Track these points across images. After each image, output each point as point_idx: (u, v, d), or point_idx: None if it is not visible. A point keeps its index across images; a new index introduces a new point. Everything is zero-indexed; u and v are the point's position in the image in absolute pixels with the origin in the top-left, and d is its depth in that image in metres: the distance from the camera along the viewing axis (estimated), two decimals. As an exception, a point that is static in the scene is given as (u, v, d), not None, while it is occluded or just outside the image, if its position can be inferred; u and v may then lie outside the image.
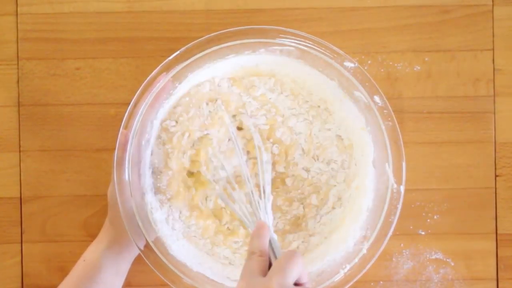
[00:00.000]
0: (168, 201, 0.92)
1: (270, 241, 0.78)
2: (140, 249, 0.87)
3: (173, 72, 0.88)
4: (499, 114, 0.98)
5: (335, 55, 0.89)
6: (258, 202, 0.84)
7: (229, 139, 0.93)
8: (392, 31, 0.97)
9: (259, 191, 0.86)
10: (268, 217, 0.84)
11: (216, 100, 0.93)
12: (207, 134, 0.92)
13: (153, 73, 0.88)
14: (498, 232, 0.97)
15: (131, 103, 0.88)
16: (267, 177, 0.88)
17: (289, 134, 0.93)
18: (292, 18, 0.97)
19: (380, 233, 0.89)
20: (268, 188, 0.87)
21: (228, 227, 0.93)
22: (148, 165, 0.92)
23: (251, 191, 0.85)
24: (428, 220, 0.97)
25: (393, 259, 0.97)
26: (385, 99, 0.89)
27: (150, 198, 0.91)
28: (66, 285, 0.89)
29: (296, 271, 0.72)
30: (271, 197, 0.87)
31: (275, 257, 0.77)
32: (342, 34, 0.97)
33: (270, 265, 0.77)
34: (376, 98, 0.89)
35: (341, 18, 0.97)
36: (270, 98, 0.93)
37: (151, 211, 0.90)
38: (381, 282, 0.97)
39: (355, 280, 0.88)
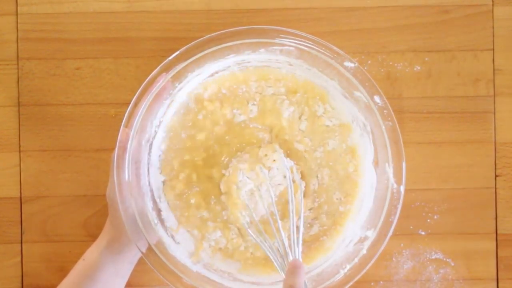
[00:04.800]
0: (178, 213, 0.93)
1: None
2: (140, 249, 0.87)
3: (173, 72, 0.88)
4: (499, 114, 0.98)
5: (335, 55, 0.89)
6: (293, 237, 0.84)
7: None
8: (392, 31, 0.97)
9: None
10: (298, 251, 0.84)
11: None
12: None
13: (153, 73, 0.88)
14: (498, 232, 0.97)
15: (131, 103, 0.88)
16: (300, 209, 0.88)
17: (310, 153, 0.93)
18: (292, 18, 0.97)
19: (380, 233, 0.89)
20: (301, 233, 0.86)
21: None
22: (153, 164, 0.92)
23: (292, 226, 0.85)
24: (428, 220, 0.97)
25: (393, 259, 0.97)
26: (385, 99, 0.89)
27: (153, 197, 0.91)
28: (65, 285, 0.89)
29: None
30: (303, 230, 0.86)
31: None
32: (342, 34, 0.97)
33: None
34: (376, 98, 0.89)
35: (341, 18, 0.97)
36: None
37: (151, 211, 0.90)
38: (381, 282, 0.97)
39: (355, 280, 0.88)
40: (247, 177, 0.90)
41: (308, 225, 0.93)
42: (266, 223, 0.90)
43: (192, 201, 0.93)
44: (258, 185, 0.90)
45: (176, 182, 0.93)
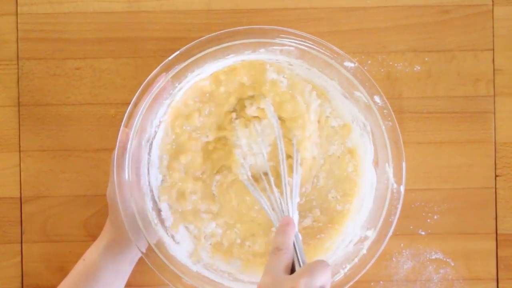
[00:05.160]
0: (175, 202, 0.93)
1: (294, 240, 0.78)
2: (140, 249, 0.87)
3: (173, 72, 0.88)
4: (499, 114, 0.98)
5: (335, 55, 0.89)
6: (287, 199, 0.84)
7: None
8: (392, 31, 0.97)
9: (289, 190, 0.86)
10: (294, 216, 0.84)
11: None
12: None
13: (153, 73, 0.88)
14: (498, 232, 0.97)
15: (131, 103, 0.88)
16: (296, 178, 0.88)
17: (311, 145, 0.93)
18: (292, 18, 0.97)
19: (380, 233, 0.89)
20: (297, 189, 0.87)
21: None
22: (153, 164, 0.92)
23: (284, 185, 0.85)
24: (428, 220, 0.97)
25: (393, 259, 0.97)
26: (385, 99, 0.89)
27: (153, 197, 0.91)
28: (66, 285, 0.89)
29: (324, 277, 0.72)
30: (298, 199, 0.87)
31: (297, 258, 0.77)
32: (342, 34, 0.97)
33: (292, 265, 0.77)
34: (376, 98, 0.89)
35: (341, 18, 0.97)
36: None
37: (151, 211, 0.90)
38: (381, 282, 0.97)
39: (355, 280, 0.87)
40: (242, 136, 0.91)
41: (302, 214, 0.93)
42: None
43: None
44: (250, 142, 0.91)
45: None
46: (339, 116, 0.93)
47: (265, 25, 0.90)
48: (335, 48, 0.89)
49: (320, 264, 0.73)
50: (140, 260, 0.92)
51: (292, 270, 0.77)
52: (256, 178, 0.91)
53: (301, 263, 0.77)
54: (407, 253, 0.97)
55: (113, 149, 0.88)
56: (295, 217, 0.84)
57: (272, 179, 0.87)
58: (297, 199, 0.87)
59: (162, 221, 0.92)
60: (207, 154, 0.93)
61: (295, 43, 0.89)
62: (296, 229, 0.81)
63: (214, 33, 0.88)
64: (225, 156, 0.93)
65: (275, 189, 0.86)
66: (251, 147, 0.92)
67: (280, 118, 0.92)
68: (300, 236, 0.80)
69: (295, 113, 0.92)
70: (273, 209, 0.85)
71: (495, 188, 0.97)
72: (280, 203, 0.85)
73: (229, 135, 0.92)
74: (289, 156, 0.91)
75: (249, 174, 0.91)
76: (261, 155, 0.91)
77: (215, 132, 0.93)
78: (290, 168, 0.90)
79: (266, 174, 0.90)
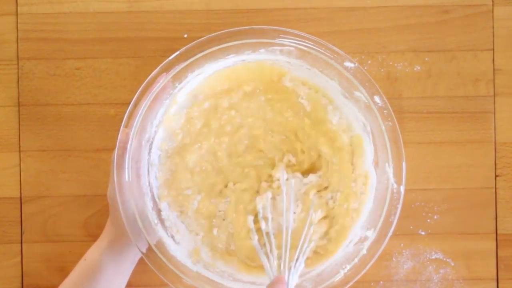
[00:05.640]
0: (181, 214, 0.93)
1: None
2: (140, 249, 0.87)
3: (173, 72, 0.88)
4: (499, 114, 0.98)
5: (335, 55, 0.89)
6: (288, 264, 0.84)
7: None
8: (392, 31, 0.97)
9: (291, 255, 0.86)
10: (292, 280, 0.83)
11: None
12: None
13: (153, 73, 0.88)
14: (498, 232, 0.97)
15: (131, 103, 0.88)
16: (305, 247, 0.87)
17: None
18: (292, 18, 0.97)
19: (380, 233, 0.89)
20: (303, 257, 0.86)
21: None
22: (153, 164, 0.92)
23: (285, 250, 0.84)
24: (428, 220, 0.97)
25: (393, 259, 0.97)
26: (385, 99, 0.89)
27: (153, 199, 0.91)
28: (67, 285, 0.89)
29: None
30: (303, 266, 0.85)
31: None
32: (342, 34, 0.97)
33: None
34: (376, 98, 0.89)
35: (341, 18, 0.97)
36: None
37: (151, 211, 0.90)
38: (381, 282, 0.97)
39: (355, 280, 0.88)
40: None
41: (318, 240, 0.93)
42: (278, 237, 0.90)
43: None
44: (260, 207, 0.91)
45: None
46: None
47: (265, 25, 0.90)
48: (335, 48, 0.89)
49: None
50: (140, 260, 0.92)
51: None
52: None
53: None
54: (407, 253, 0.97)
55: (113, 149, 0.88)
56: (293, 280, 0.83)
57: (273, 241, 0.86)
58: (302, 266, 0.85)
59: (162, 221, 0.92)
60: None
61: (295, 43, 0.89)
62: None
63: (214, 33, 0.88)
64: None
65: (274, 250, 0.85)
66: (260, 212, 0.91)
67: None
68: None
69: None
70: (270, 265, 0.85)
71: (495, 188, 0.97)
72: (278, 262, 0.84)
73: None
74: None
75: (257, 238, 0.89)
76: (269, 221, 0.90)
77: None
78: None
79: (269, 236, 0.88)
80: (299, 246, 0.85)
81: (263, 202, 0.90)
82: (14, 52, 0.97)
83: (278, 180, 0.92)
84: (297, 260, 0.84)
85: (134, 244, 0.87)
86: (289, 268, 0.83)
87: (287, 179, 0.91)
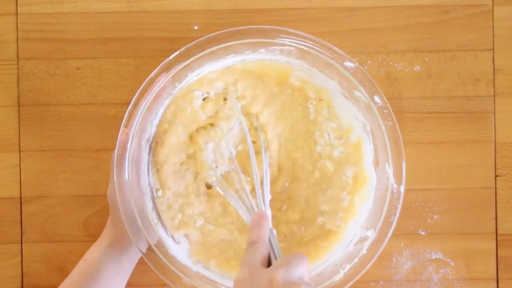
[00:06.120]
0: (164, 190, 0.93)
1: (269, 235, 0.78)
2: (140, 249, 0.87)
3: (173, 72, 0.88)
4: (499, 114, 0.98)
5: (335, 55, 0.89)
6: (260, 197, 0.84)
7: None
8: (392, 31, 0.97)
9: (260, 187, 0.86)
10: (267, 213, 0.83)
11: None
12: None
13: (153, 73, 0.88)
14: (498, 232, 0.97)
15: (131, 103, 0.88)
16: (266, 175, 0.87)
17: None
18: (292, 18, 0.97)
19: (380, 233, 0.89)
20: (268, 186, 0.86)
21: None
22: (150, 163, 0.92)
23: (256, 182, 0.84)
24: (428, 220, 0.97)
25: (393, 259, 0.97)
26: (385, 99, 0.89)
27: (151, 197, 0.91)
28: (66, 285, 0.89)
29: (302, 268, 0.71)
30: (270, 196, 0.86)
31: (273, 252, 0.76)
32: (342, 34, 0.97)
33: (269, 260, 0.77)
34: (376, 98, 0.89)
35: (341, 18, 0.97)
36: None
37: (151, 211, 0.90)
38: (381, 282, 0.97)
39: (355, 280, 0.87)
40: (209, 139, 0.92)
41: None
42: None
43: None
44: (217, 142, 0.91)
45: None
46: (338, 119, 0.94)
47: (265, 25, 0.90)
48: (335, 48, 0.89)
49: (297, 256, 0.72)
50: (140, 260, 0.92)
51: (269, 265, 0.76)
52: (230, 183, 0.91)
53: (277, 257, 0.76)
54: (407, 253, 0.97)
55: (113, 149, 0.88)
56: (268, 213, 0.83)
57: (242, 177, 0.87)
58: (269, 197, 0.85)
59: (162, 221, 0.92)
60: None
61: (295, 43, 0.89)
62: (270, 224, 0.80)
63: (214, 33, 0.88)
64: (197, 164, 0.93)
65: (246, 187, 0.86)
66: (219, 147, 0.92)
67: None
68: (274, 231, 0.79)
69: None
70: (247, 210, 0.85)
71: (495, 188, 0.97)
72: (252, 202, 0.84)
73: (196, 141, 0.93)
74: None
75: (218, 175, 0.90)
76: (228, 153, 0.91)
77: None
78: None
79: (236, 173, 0.90)
80: (265, 177, 0.86)
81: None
82: (14, 52, 0.97)
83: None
84: (265, 191, 0.85)
85: (134, 244, 0.87)
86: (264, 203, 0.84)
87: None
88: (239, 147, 0.93)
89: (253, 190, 0.88)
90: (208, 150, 0.92)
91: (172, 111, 0.91)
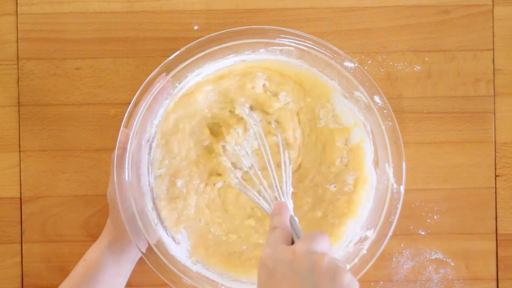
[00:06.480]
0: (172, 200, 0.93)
1: (291, 221, 0.79)
2: (140, 249, 0.87)
3: (173, 72, 0.88)
4: (499, 114, 0.98)
5: (335, 55, 0.89)
6: (278, 191, 0.84)
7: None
8: (392, 31, 0.97)
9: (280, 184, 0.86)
10: (288, 203, 0.83)
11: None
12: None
13: (153, 73, 0.88)
14: (498, 232, 0.97)
15: (131, 103, 0.88)
16: (287, 169, 0.88)
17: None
18: (292, 18, 0.97)
19: (380, 233, 0.89)
20: (289, 179, 0.87)
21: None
22: (150, 164, 0.92)
23: (272, 176, 0.85)
24: (428, 220, 0.97)
25: (393, 259, 0.97)
26: (385, 99, 0.89)
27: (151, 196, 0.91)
28: (66, 285, 0.89)
29: (324, 243, 0.72)
30: (292, 189, 0.86)
31: (297, 237, 0.77)
32: (342, 34, 0.97)
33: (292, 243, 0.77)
34: (376, 98, 0.89)
35: (341, 18, 0.97)
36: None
37: (151, 211, 0.90)
38: (381, 282, 0.97)
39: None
40: (226, 143, 0.92)
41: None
42: (266, 176, 0.91)
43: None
44: (233, 146, 0.91)
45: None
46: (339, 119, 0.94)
47: (265, 25, 0.90)
48: (335, 48, 0.89)
49: (318, 232, 0.73)
50: (140, 260, 0.92)
51: None
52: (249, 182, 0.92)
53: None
54: (407, 253, 0.97)
55: (113, 149, 0.88)
56: (289, 204, 0.83)
57: (259, 172, 0.88)
58: (291, 189, 0.86)
59: (162, 221, 0.92)
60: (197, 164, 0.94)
61: (295, 43, 0.89)
62: (292, 212, 0.80)
63: (214, 33, 0.88)
64: (215, 165, 0.93)
65: (264, 181, 0.86)
66: (235, 150, 0.92)
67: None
68: (296, 218, 0.79)
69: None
70: (268, 204, 0.85)
71: (495, 188, 0.97)
72: (270, 197, 0.85)
73: (214, 146, 0.93)
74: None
75: (239, 176, 0.91)
76: (246, 155, 0.91)
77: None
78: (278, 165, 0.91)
79: (255, 173, 0.90)
80: (284, 171, 0.86)
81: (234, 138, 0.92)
82: (14, 52, 0.97)
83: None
84: (285, 184, 0.85)
85: (134, 244, 0.87)
86: (283, 194, 0.84)
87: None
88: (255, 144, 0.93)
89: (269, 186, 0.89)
90: (227, 154, 0.92)
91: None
